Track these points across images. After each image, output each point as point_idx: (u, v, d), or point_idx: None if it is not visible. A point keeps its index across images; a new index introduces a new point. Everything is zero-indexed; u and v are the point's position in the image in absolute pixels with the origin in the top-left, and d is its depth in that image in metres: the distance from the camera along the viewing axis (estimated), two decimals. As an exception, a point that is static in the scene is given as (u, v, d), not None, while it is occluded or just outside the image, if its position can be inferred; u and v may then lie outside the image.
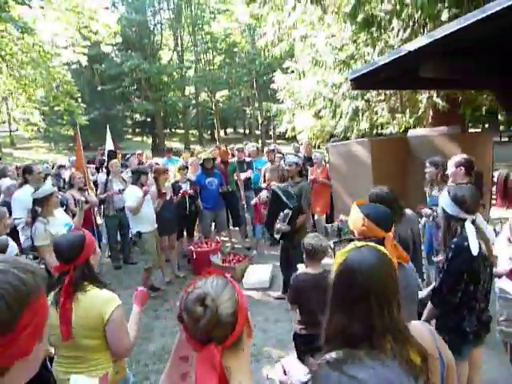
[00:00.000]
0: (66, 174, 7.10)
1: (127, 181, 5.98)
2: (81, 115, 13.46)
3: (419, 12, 6.88)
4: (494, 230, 2.74)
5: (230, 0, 31.97)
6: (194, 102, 33.88)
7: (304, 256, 2.79)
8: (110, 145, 7.02)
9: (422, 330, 1.35)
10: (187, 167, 6.49)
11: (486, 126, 19.60)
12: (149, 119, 34.02)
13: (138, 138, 36.65)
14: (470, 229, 2.04)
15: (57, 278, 2.03)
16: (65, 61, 13.10)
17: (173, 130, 39.63)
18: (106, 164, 6.85)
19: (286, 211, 4.48)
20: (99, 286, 2.05)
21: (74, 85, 13.04)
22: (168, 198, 5.37)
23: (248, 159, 7.40)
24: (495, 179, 3.45)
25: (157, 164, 6.60)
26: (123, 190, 5.67)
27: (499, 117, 19.16)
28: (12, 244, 2.38)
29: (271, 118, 32.13)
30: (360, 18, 7.93)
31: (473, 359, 2.33)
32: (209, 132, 40.31)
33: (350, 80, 5.92)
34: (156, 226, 5.01)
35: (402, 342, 1.14)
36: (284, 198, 4.52)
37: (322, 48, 9.32)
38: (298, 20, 9.60)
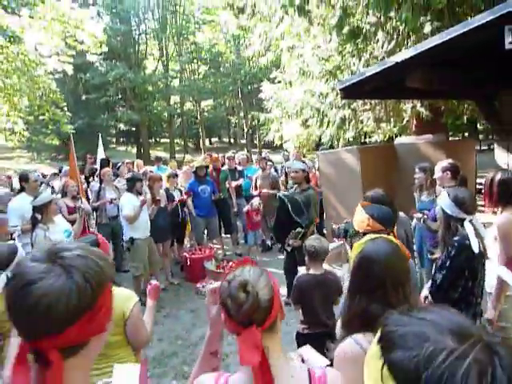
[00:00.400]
0: (55, 183, 7.07)
1: (120, 189, 6.01)
2: (66, 124, 13.38)
3: (403, 25, 7.14)
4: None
5: (214, 11, 32.33)
6: (179, 111, 33.91)
7: (306, 258, 2.89)
8: (101, 153, 7.03)
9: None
10: (177, 175, 6.56)
11: (466, 134, 20.24)
12: (133, 128, 33.86)
13: (123, 148, 36.40)
14: (469, 228, 2.18)
15: None
16: (49, 70, 12.98)
17: (157, 140, 39.54)
18: (97, 173, 6.86)
19: (298, 229, 4.45)
20: (115, 285, 2.14)
21: (59, 94, 12.97)
22: (162, 205, 5.41)
23: (239, 167, 7.50)
24: (482, 185, 3.61)
25: (151, 172, 6.64)
26: (115, 198, 5.69)
27: (478, 126, 19.84)
28: (21, 250, 2.41)
29: (256, 127, 32.43)
30: (346, 29, 8.18)
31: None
32: (193, 141, 40.35)
33: (339, 89, 6.12)
34: (149, 233, 5.03)
35: None
36: (294, 215, 4.45)
37: (308, 58, 9.56)
38: (286, 31, 9.84)
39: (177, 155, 29.83)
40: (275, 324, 1.13)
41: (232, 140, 42.20)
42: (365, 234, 2.02)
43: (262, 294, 1.09)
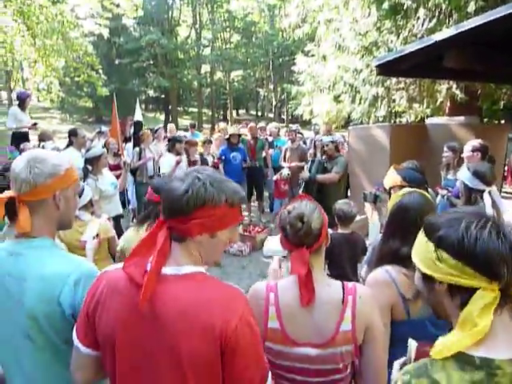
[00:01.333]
0: (95, 142, 7.42)
1: (155, 152, 6.32)
2: (101, 87, 13.74)
3: (446, 2, 7.00)
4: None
5: (250, -22, 31.66)
6: (208, 80, 33.90)
7: (336, 220, 3.13)
8: (139, 116, 7.30)
9: None
10: (211, 141, 6.82)
11: (502, 121, 19.59)
12: (163, 96, 34.17)
13: (151, 114, 36.90)
14: (487, 198, 2.37)
15: (153, 208, 2.40)
16: (86, 32, 13.17)
17: (185, 108, 39.79)
18: (130, 134, 7.18)
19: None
20: None
21: (95, 57, 13.23)
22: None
23: (270, 138, 7.70)
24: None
25: (185, 137, 6.93)
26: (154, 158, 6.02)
27: (515, 112, 19.12)
28: (87, 188, 2.76)
29: (285, 101, 32.18)
30: (386, 4, 8.05)
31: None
32: (221, 112, 40.43)
33: (375, 66, 6.15)
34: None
35: None
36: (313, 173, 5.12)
37: (345, 33, 9.45)
38: (324, 3, 9.72)
39: (204, 125, 30.09)
40: (320, 248, 1.42)
41: (259, 113, 42.03)
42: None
43: (314, 224, 1.37)
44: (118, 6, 12.51)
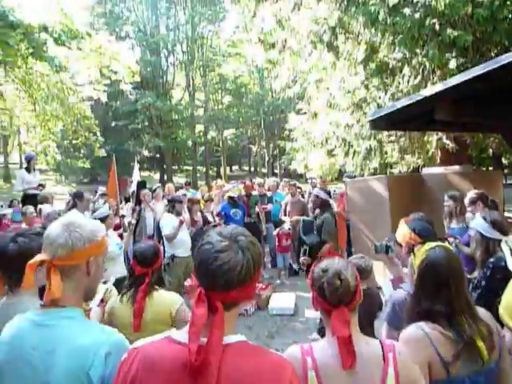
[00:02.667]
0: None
1: (156, 211, 6.33)
2: (99, 148, 14.07)
3: (429, 61, 7.45)
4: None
5: (240, 44, 33.70)
6: (202, 139, 34.87)
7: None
8: (137, 176, 7.40)
9: (484, 312, 1.66)
10: (212, 199, 6.87)
11: (490, 168, 20.13)
12: (158, 155, 34.90)
13: (146, 173, 37.41)
14: (506, 248, 2.37)
15: (134, 280, 2.39)
16: (84, 97, 13.69)
17: (180, 166, 40.48)
18: (129, 194, 7.23)
19: (304, 247, 4.91)
20: (163, 288, 2.49)
21: (94, 120, 13.69)
22: (199, 227, 5.69)
23: (268, 193, 7.78)
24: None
25: (184, 195, 6.99)
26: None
27: (503, 160, 19.73)
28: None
29: (277, 156, 32.96)
30: (372, 64, 8.56)
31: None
32: (215, 169, 41.15)
33: (368, 121, 6.40)
34: (190, 252, 5.28)
35: (475, 319, 1.48)
36: (302, 235, 5.00)
37: (335, 91, 9.93)
38: (314, 65, 10.30)
39: (198, 182, 30.47)
40: (356, 305, 1.39)
41: (252, 168, 42.83)
42: (410, 248, 2.23)
43: (351, 281, 1.36)
44: (116, 73, 13.10)
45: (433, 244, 1.75)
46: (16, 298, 1.60)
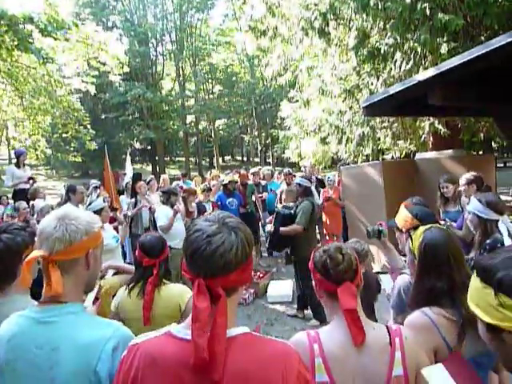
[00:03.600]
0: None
1: (152, 202, 6.29)
2: (90, 141, 13.91)
3: (421, 46, 7.43)
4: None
5: (229, 33, 33.35)
6: (194, 130, 34.65)
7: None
8: (129, 169, 7.35)
9: None
10: (210, 189, 6.86)
11: (481, 152, 20.33)
12: (149, 147, 34.65)
13: (138, 166, 37.18)
14: (503, 228, 2.40)
15: (142, 272, 2.34)
16: (73, 90, 13.45)
17: (172, 158, 40.28)
18: (123, 187, 7.18)
19: (275, 216, 4.86)
20: (171, 281, 2.42)
21: (84, 112, 13.50)
22: (195, 217, 5.68)
23: (263, 182, 7.78)
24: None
25: (181, 187, 6.97)
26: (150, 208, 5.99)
27: (493, 144, 19.93)
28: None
29: (270, 145, 32.90)
30: (364, 50, 8.51)
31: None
32: (207, 159, 41.01)
33: (363, 107, 6.39)
34: (186, 242, 5.26)
35: None
36: (280, 208, 4.87)
37: (327, 78, 9.88)
38: (305, 52, 10.23)
39: (191, 173, 30.38)
40: (359, 286, 1.40)
41: (245, 158, 42.74)
42: (407, 231, 2.25)
43: (352, 257, 1.39)
44: (104, 64, 12.87)
45: (427, 226, 1.77)
46: (8, 297, 1.56)
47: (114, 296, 2.73)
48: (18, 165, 6.72)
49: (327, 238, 7.15)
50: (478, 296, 0.87)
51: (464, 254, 1.67)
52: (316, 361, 1.30)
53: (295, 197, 5.03)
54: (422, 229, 1.75)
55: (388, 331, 1.33)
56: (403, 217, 2.36)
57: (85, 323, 1.22)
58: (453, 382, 1.24)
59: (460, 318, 1.49)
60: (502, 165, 19.61)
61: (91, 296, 2.52)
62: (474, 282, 0.90)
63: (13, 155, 7.73)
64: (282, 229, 4.63)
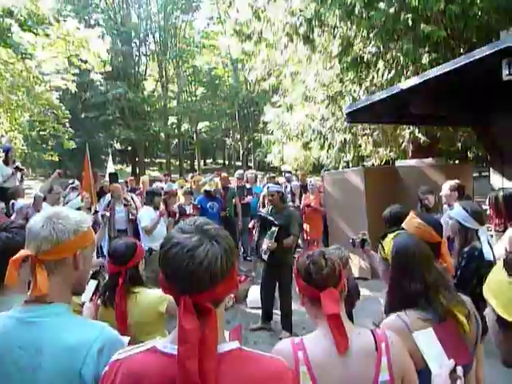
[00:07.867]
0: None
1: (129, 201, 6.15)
2: (68, 140, 13.60)
3: (403, 55, 7.57)
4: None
5: (214, 36, 33.31)
6: (176, 132, 34.35)
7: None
8: (111, 168, 7.20)
9: (465, 298, 1.69)
10: (191, 192, 6.77)
11: (457, 162, 20.87)
12: (129, 148, 34.13)
13: (117, 167, 36.57)
14: (484, 237, 2.43)
15: (109, 280, 2.25)
16: (52, 87, 13.12)
17: (153, 159, 39.79)
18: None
19: (272, 229, 4.52)
20: (146, 287, 2.29)
21: (64, 110, 13.19)
22: (176, 219, 5.59)
23: (247, 185, 7.75)
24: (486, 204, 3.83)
25: (162, 188, 6.86)
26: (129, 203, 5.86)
27: (469, 154, 20.50)
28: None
29: (252, 149, 32.91)
30: (348, 58, 8.62)
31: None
32: (188, 162, 40.69)
33: (346, 114, 6.45)
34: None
35: (452, 295, 1.57)
36: (270, 218, 4.60)
37: (311, 84, 9.96)
38: (289, 58, 10.28)
39: (172, 175, 30.06)
40: (342, 293, 1.39)
41: (227, 161, 42.62)
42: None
43: (335, 262, 1.37)
44: (85, 62, 12.62)
45: (394, 233, 1.86)
46: (6, 296, 1.51)
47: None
48: (6, 161, 6.27)
49: (308, 243, 7.16)
50: (501, 290, 0.86)
51: (433, 256, 1.71)
52: (301, 369, 1.26)
53: (275, 204, 4.82)
54: (391, 236, 1.81)
55: (374, 336, 1.31)
56: (412, 222, 2.18)
57: (69, 325, 1.18)
58: (439, 345, 1.37)
59: (436, 317, 1.51)
60: (476, 174, 20.16)
61: (89, 292, 2.38)
62: (500, 275, 0.88)
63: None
64: (285, 241, 4.48)
